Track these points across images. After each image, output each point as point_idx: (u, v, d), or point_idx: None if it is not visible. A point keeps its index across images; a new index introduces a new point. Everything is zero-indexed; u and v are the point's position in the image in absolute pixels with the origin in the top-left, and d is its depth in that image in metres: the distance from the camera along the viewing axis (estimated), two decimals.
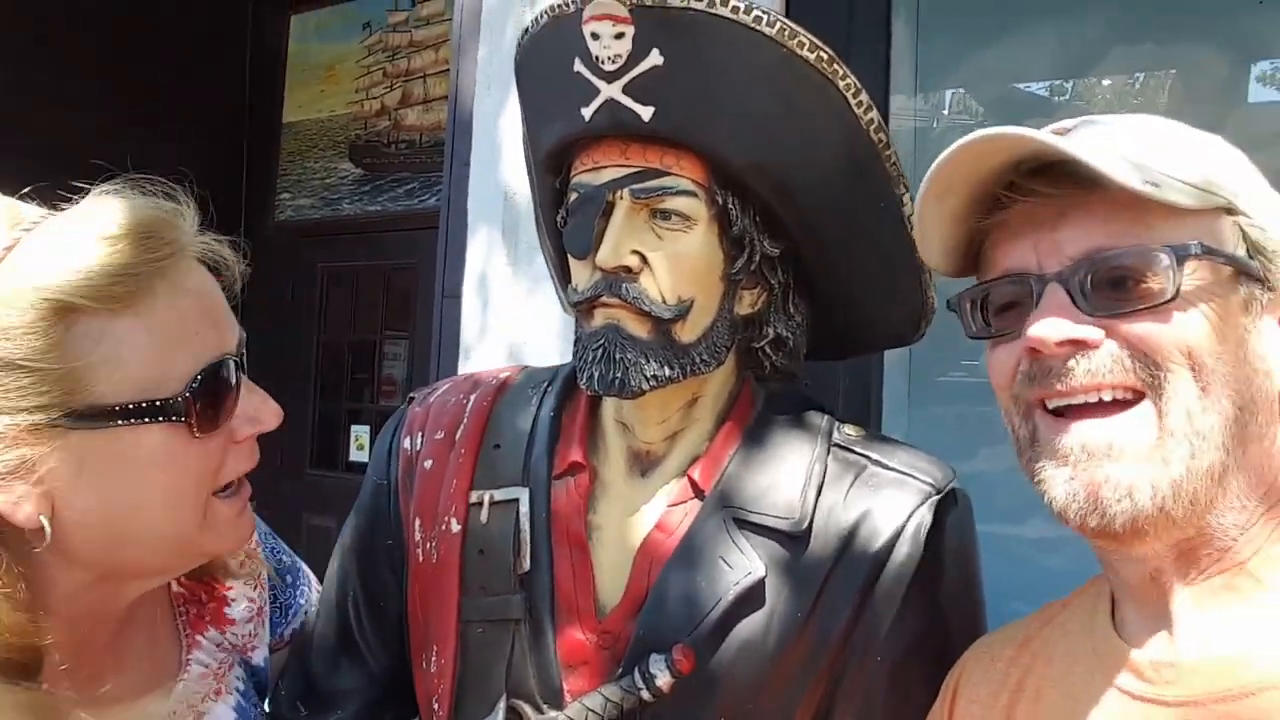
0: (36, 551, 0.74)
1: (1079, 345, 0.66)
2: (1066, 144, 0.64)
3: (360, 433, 4.13)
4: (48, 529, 0.73)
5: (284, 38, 4.57)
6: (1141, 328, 0.66)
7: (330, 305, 4.38)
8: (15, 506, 0.72)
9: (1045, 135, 0.66)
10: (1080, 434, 0.67)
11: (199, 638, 0.94)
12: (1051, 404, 0.69)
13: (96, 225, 0.75)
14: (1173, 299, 0.65)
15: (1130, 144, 0.67)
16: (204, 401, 0.76)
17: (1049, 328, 0.66)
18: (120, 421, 0.73)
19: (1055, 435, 0.69)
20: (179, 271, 0.77)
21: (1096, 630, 0.75)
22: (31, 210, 0.78)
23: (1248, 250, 0.68)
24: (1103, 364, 0.66)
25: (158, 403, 0.74)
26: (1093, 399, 0.67)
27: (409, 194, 4.12)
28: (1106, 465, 0.66)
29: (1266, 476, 0.68)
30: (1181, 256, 0.65)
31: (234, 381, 0.79)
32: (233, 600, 0.98)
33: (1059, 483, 0.67)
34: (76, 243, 0.73)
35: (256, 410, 0.82)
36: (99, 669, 0.82)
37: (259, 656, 1.00)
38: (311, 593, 1.11)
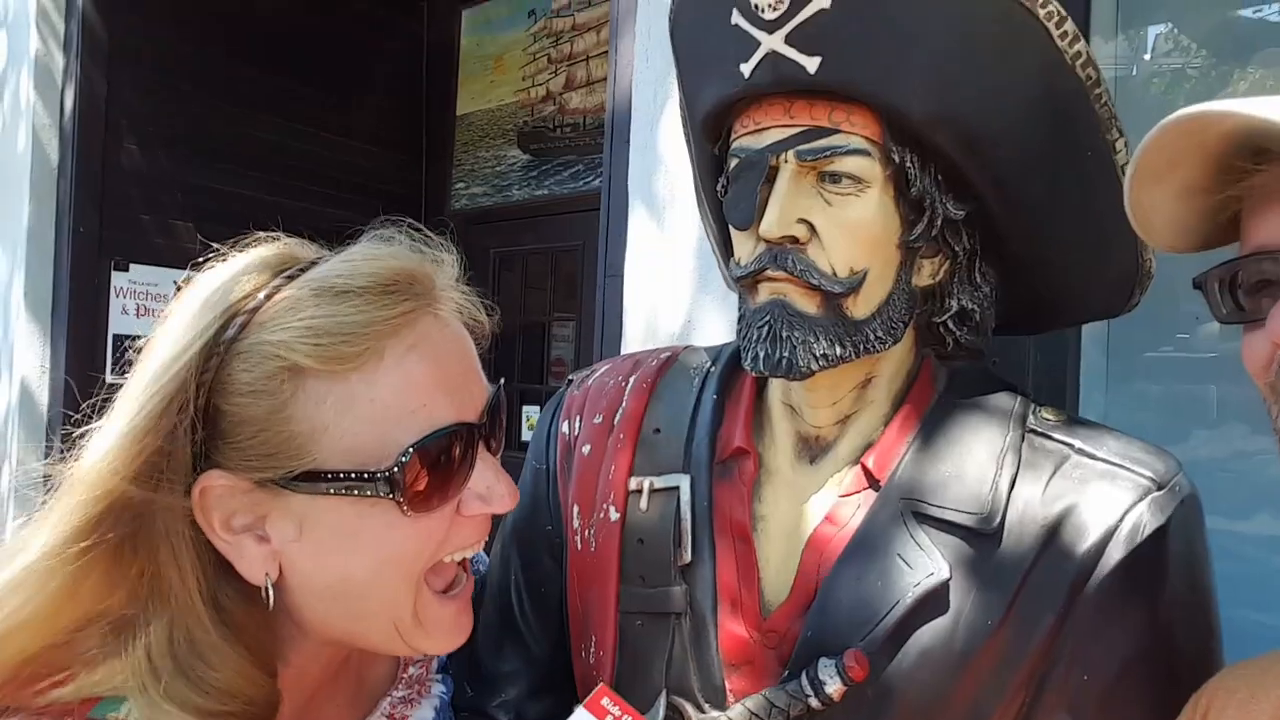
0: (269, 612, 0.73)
1: None
2: None
3: (531, 413, 4.24)
4: (268, 590, 0.72)
5: (457, 32, 4.74)
6: None
7: (501, 289, 4.52)
8: (246, 563, 0.71)
9: (1259, 108, 0.54)
10: None
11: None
12: None
13: (337, 277, 0.72)
14: None
15: None
16: (418, 477, 0.70)
17: None
18: (332, 491, 0.69)
19: None
20: (414, 332, 0.72)
21: None
22: (306, 251, 0.76)
23: None
24: None
25: (367, 474, 0.69)
26: None
27: (573, 176, 4.17)
28: None
29: None
30: None
31: (462, 454, 0.73)
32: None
33: None
34: (313, 297, 0.70)
35: (489, 489, 0.75)
36: (316, 706, 0.82)
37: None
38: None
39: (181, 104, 3.68)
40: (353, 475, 0.69)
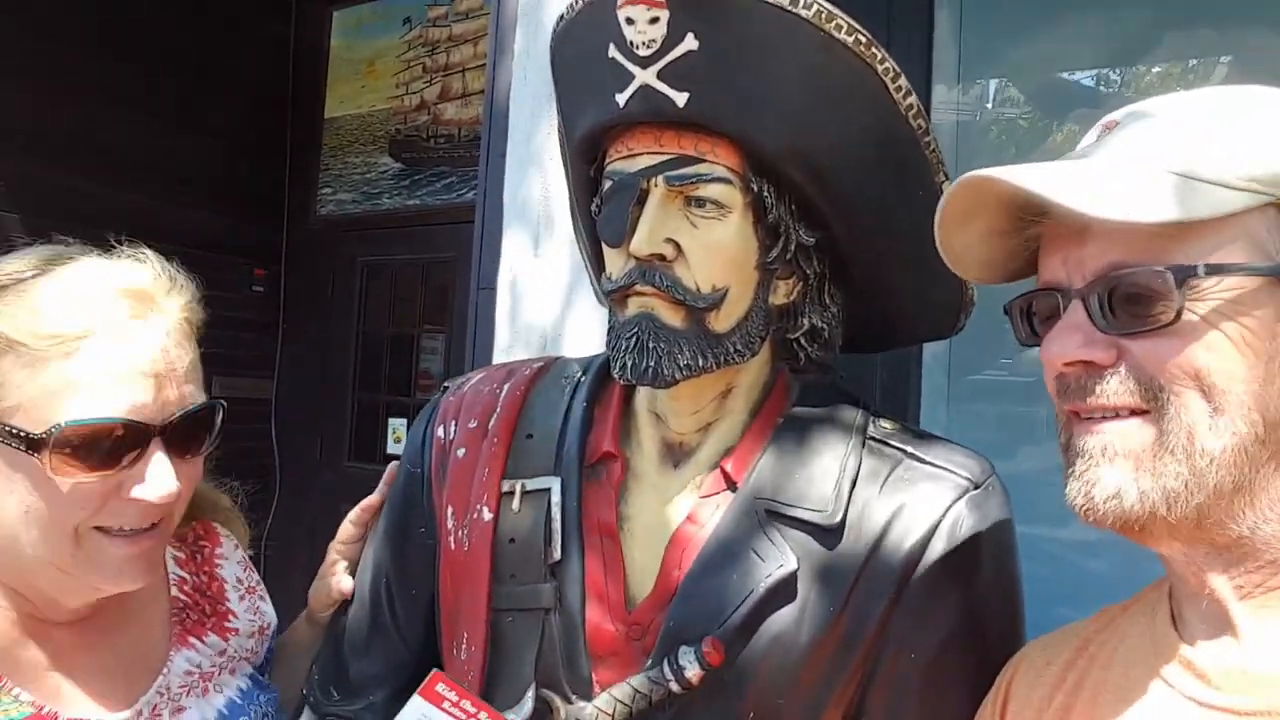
0: None
1: (1089, 365, 0.67)
2: (1050, 186, 0.64)
3: (398, 425, 4.16)
4: None
5: (326, 33, 4.62)
6: (1146, 349, 0.65)
7: (369, 299, 4.42)
8: None
9: (1027, 178, 0.65)
10: (1089, 437, 0.69)
11: (192, 639, 0.99)
12: (1081, 415, 0.70)
13: (67, 285, 0.85)
14: (1173, 321, 0.63)
15: (1177, 140, 0.65)
16: (68, 450, 0.81)
17: (1056, 348, 0.68)
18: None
19: (1075, 437, 0.70)
20: (121, 332, 0.84)
21: (1157, 633, 0.73)
22: (68, 253, 0.89)
23: None
24: (1109, 385, 0.67)
25: (22, 433, 0.81)
26: (1109, 413, 0.67)
27: (447, 188, 4.14)
28: (1102, 467, 0.67)
29: None
30: (1181, 277, 0.63)
31: (125, 445, 0.84)
32: (236, 616, 1.04)
33: (1070, 480, 0.70)
34: (44, 298, 0.84)
35: (148, 479, 0.85)
36: (63, 671, 0.88)
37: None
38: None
39: (18, 94, 3.44)
40: (11, 429, 0.82)
